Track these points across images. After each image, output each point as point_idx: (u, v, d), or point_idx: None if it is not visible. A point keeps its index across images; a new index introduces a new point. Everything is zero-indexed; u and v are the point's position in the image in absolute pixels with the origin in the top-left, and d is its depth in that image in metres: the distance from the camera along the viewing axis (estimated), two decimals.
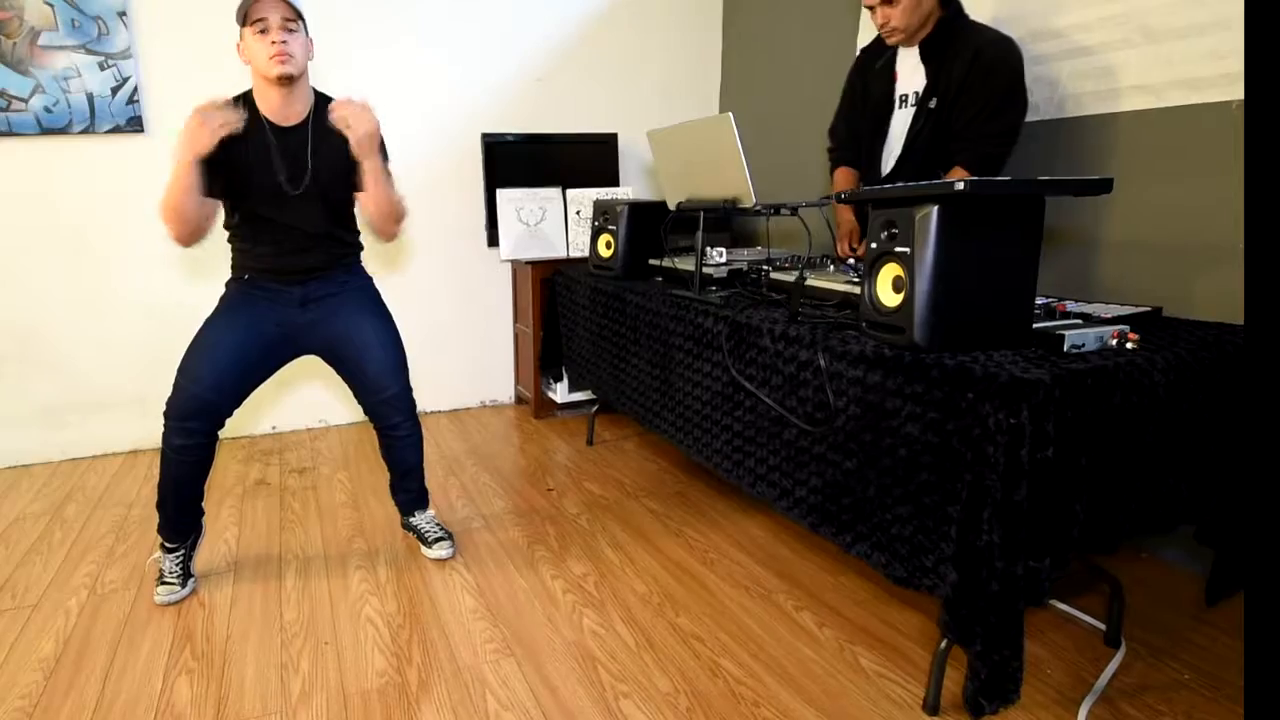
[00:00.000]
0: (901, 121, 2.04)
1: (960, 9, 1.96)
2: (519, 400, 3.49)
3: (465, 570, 1.98)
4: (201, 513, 1.91)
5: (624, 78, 3.42)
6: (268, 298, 1.83)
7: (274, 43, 1.62)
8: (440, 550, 2.02)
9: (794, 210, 1.89)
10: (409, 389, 1.96)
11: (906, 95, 2.04)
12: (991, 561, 1.21)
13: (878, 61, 2.11)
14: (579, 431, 3.06)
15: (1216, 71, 1.72)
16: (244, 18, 1.64)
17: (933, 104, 1.94)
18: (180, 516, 1.85)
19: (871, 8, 1.92)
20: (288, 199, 1.75)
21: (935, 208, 1.29)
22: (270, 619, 1.76)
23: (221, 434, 3.04)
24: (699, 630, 1.70)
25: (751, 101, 3.34)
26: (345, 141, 1.69)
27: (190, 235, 1.69)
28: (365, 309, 1.90)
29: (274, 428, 3.12)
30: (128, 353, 2.84)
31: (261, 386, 3.07)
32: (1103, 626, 1.65)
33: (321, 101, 1.78)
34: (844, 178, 2.24)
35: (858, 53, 2.24)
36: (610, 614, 1.77)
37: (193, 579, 1.89)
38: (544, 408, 3.27)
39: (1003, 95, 1.88)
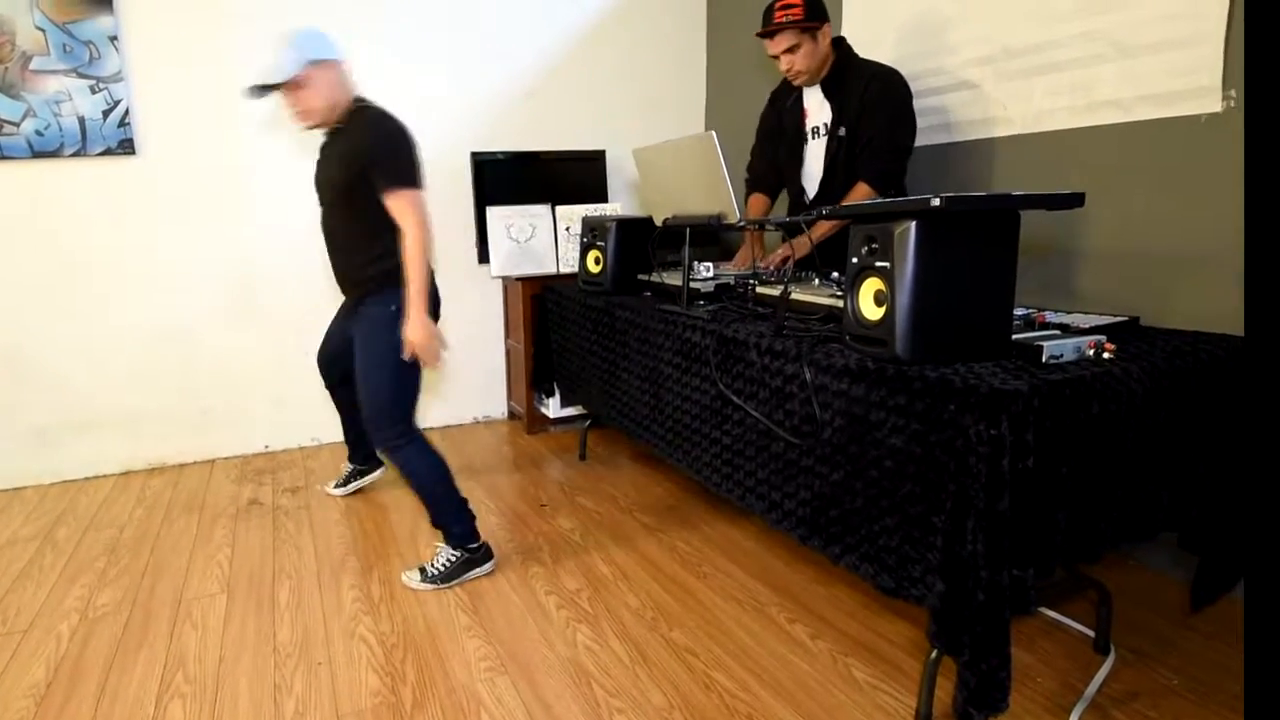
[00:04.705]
0: (816, 151, 2.31)
1: (850, 49, 2.24)
2: (512, 416, 3.50)
3: (459, 587, 1.98)
4: None
5: (611, 95, 3.46)
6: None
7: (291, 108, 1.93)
8: (410, 579, 2.01)
9: (778, 225, 1.92)
10: (379, 426, 1.94)
11: (818, 127, 2.30)
12: (976, 571, 1.22)
13: (787, 100, 2.38)
14: (572, 446, 3.07)
15: (1186, 86, 1.76)
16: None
17: (841, 132, 2.21)
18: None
19: (777, 57, 2.17)
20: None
21: (913, 223, 1.31)
22: (263, 640, 1.76)
23: (214, 453, 3.05)
24: (692, 644, 1.70)
25: (737, 117, 3.38)
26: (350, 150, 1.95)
27: None
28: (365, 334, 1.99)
29: (266, 447, 3.11)
30: (118, 374, 2.84)
31: (254, 403, 3.11)
32: (1091, 633, 1.66)
33: (355, 112, 1.98)
34: (757, 203, 2.54)
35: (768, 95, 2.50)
36: (604, 629, 1.77)
37: None
38: (536, 423, 3.28)
39: (893, 117, 2.14)
